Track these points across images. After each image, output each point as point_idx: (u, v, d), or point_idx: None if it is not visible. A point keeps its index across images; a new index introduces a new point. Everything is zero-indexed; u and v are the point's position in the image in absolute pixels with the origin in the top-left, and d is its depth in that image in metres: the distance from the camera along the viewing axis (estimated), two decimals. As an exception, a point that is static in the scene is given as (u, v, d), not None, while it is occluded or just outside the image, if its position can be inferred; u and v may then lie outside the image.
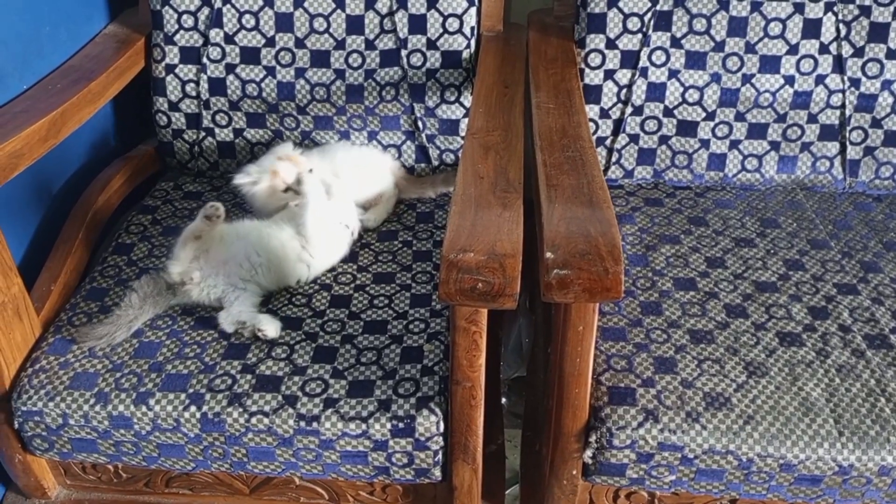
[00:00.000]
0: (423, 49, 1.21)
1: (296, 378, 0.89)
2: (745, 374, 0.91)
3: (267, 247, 1.01)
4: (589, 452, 0.88)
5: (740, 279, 1.05)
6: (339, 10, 1.20)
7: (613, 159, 1.24)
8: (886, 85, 1.18)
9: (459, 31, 1.20)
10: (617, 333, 0.97)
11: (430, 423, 0.86)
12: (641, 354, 0.94)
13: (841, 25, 1.17)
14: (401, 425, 0.86)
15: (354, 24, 1.21)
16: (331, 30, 1.21)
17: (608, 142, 1.23)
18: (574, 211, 0.79)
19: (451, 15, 1.20)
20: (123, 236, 1.13)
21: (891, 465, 0.85)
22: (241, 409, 0.87)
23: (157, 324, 0.97)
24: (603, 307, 1.00)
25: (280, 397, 0.87)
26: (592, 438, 0.87)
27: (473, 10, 1.20)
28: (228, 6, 1.21)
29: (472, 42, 1.22)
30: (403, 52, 1.21)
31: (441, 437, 0.87)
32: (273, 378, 0.89)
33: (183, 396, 0.88)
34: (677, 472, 0.88)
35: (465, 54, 1.21)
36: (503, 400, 1.36)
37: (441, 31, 1.20)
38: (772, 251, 1.10)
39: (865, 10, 1.16)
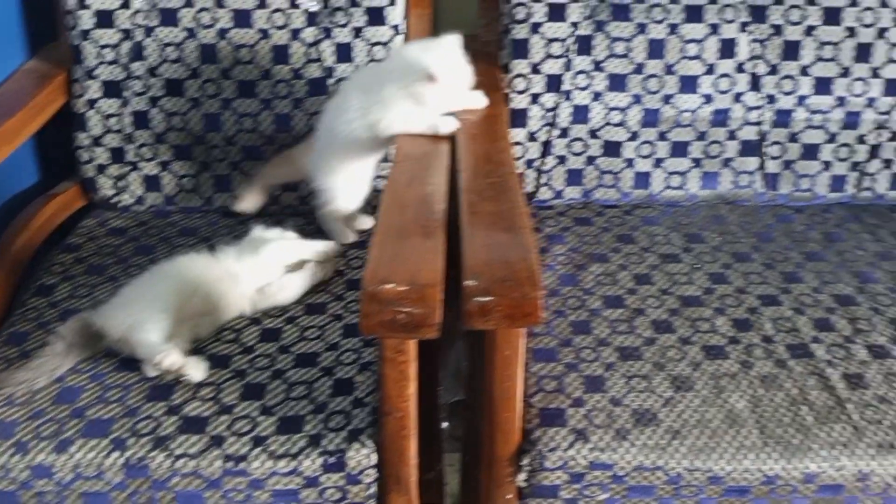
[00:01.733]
0: (351, 77, 1.21)
1: (223, 417, 0.88)
2: (672, 388, 0.93)
3: (216, 299, 0.99)
4: (522, 476, 0.88)
5: (667, 295, 1.07)
6: (263, 41, 1.20)
7: (543, 181, 1.26)
8: (801, 100, 1.23)
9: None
10: (548, 354, 0.98)
11: (361, 457, 0.85)
12: (572, 374, 0.95)
13: (755, 44, 1.21)
14: (332, 460, 0.85)
15: (280, 54, 1.20)
16: (256, 60, 1.20)
17: (537, 164, 1.25)
18: (495, 237, 0.80)
19: (376, 43, 1.20)
20: (45, 277, 1.10)
21: (814, 472, 0.87)
22: (166, 453, 0.85)
23: (78, 367, 0.94)
24: (533, 329, 1.01)
25: (207, 438, 0.86)
26: (525, 461, 0.88)
27: (400, 38, 1.21)
28: (150, 39, 1.19)
29: (400, 69, 1.22)
30: (331, 81, 1.21)
31: (374, 470, 0.87)
32: (199, 419, 0.88)
33: (105, 442, 0.86)
34: (609, 491, 0.88)
35: (393, 81, 1.22)
36: (444, 424, 1.35)
37: (368, 59, 1.21)
38: (697, 266, 1.13)
39: (778, 29, 1.21)
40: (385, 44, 1.20)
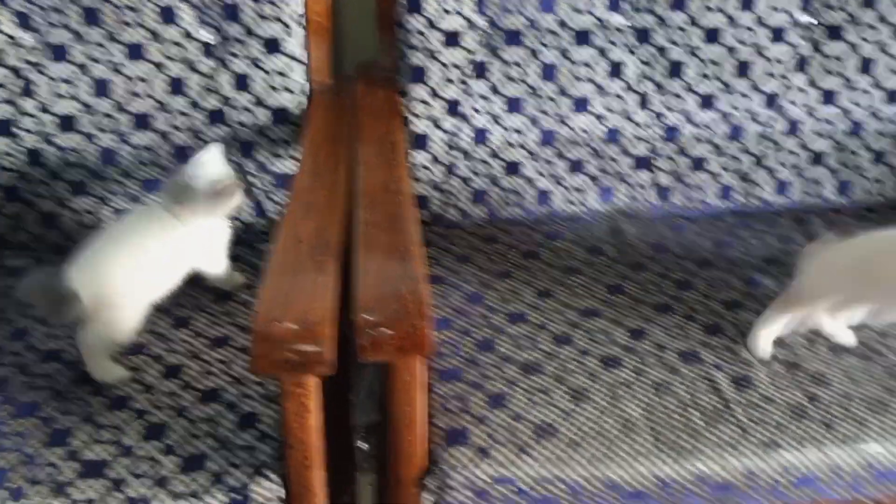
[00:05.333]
0: (251, 106, 1.22)
1: (124, 460, 0.87)
2: (572, 400, 0.97)
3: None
4: (428, 496, 0.90)
5: (568, 308, 1.11)
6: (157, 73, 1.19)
7: (449, 202, 1.28)
8: (687, 116, 1.29)
9: (286, 87, 1.21)
10: (453, 374, 1.00)
11: (266, 491, 0.86)
12: (476, 393, 0.98)
13: (642, 65, 1.27)
14: (237, 497, 0.85)
15: (176, 86, 1.20)
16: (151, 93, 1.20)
17: (443, 185, 1.28)
18: (387, 270, 0.82)
19: (277, 72, 1.21)
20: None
21: (705, 472, 0.92)
22: (64, 499, 0.84)
23: (-28, 417, 0.92)
24: (441, 349, 1.03)
25: (107, 482, 0.85)
26: (430, 482, 0.90)
27: (299, 67, 1.22)
28: (40, 75, 1.17)
29: (302, 98, 1.23)
30: (231, 111, 1.21)
31: (281, 503, 0.87)
32: (99, 462, 0.87)
33: (2, 493, 0.84)
34: (513, 505, 0.91)
35: (295, 110, 1.23)
36: (364, 445, 1.36)
37: (268, 88, 1.21)
38: (596, 278, 1.17)
39: (662, 51, 1.27)
40: (284, 74, 1.21)
